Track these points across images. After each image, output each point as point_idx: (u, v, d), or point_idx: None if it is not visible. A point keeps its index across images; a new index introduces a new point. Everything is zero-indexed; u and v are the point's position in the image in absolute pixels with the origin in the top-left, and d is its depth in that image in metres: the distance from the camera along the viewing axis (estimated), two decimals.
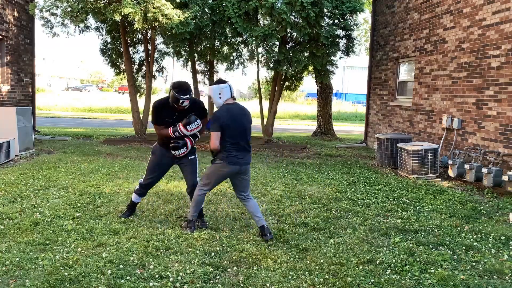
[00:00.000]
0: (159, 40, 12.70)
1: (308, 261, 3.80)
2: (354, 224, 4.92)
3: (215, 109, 4.56)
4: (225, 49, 12.00)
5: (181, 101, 4.34)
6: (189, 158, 4.71)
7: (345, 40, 11.94)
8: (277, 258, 3.83)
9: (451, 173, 7.81)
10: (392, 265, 3.77)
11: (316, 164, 9.14)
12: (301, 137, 15.43)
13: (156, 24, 9.67)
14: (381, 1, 12.51)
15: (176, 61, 14.28)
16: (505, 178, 6.45)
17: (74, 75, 64.60)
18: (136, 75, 13.24)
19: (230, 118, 4.26)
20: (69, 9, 9.75)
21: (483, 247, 4.30)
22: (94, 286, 3.20)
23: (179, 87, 4.37)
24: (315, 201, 5.88)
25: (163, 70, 13.86)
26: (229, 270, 3.59)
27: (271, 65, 11.55)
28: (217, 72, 13.72)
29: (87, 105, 29.38)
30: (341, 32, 11.67)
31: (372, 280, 3.45)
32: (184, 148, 4.55)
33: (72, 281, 3.26)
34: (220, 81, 4.48)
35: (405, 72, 11.36)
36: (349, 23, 11.45)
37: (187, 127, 4.46)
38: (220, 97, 4.35)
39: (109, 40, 13.03)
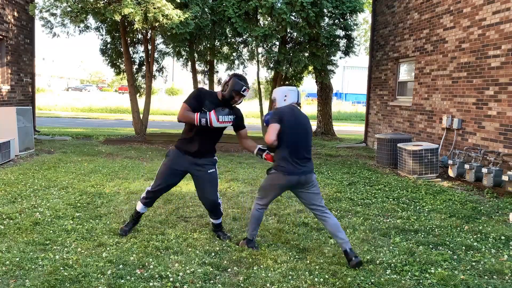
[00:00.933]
0: (159, 40, 12.71)
1: (308, 261, 3.80)
2: (354, 224, 4.92)
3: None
4: (225, 49, 12.01)
5: (243, 88, 3.92)
6: (209, 171, 4.15)
7: (345, 40, 11.95)
8: (277, 258, 3.83)
9: (451, 173, 7.81)
10: (392, 265, 3.77)
11: (316, 164, 9.14)
12: None
13: (157, 24, 9.67)
14: (381, 1, 12.51)
15: (176, 61, 14.27)
16: (505, 178, 6.45)
17: (74, 75, 64.58)
18: (136, 75, 13.24)
19: (292, 116, 3.83)
20: (68, 9, 9.75)
21: (483, 247, 4.30)
22: (94, 286, 3.20)
23: (241, 76, 4.01)
24: None
25: (163, 70, 13.86)
26: (229, 270, 3.59)
27: (271, 65, 11.56)
28: (217, 72, 13.73)
29: (87, 105, 29.38)
30: (341, 32, 11.68)
31: (372, 280, 3.45)
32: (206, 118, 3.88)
33: (72, 281, 3.26)
34: (289, 85, 4.26)
35: (405, 72, 11.36)
36: (349, 23, 11.46)
37: (219, 116, 3.87)
38: (285, 100, 3.96)
39: (109, 40, 13.03)
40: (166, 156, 4.24)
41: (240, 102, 4.05)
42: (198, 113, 3.90)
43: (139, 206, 4.32)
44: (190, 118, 3.93)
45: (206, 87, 13.89)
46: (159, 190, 4.19)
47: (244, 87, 3.94)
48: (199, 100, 3.99)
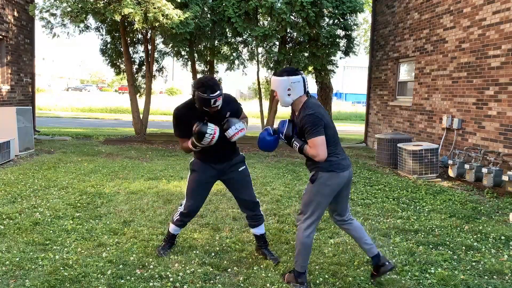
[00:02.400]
0: (159, 40, 12.70)
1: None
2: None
3: (279, 107, 3.52)
4: (225, 49, 12.00)
5: (212, 101, 3.33)
6: (239, 169, 3.73)
7: (345, 40, 11.95)
8: None
9: (451, 173, 7.80)
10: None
11: None
12: None
13: (157, 24, 9.67)
14: (381, 1, 12.51)
15: (176, 61, 14.26)
16: (505, 178, 6.45)
17: (74, 75, 64.61)
18: (136, 75, 13.24)
19: (326, 114, 3.19)
20: (68, 9, 9.75)
21: (483, 247, 4.30)
22: (94, 286, 3.20)
23: (204, 85, 3.35)
24: None
25: (163, 70, 13.86)
26: (229, 270, 3.59)
27: (271, 65, 11.55)
28: (217, 72, 13.72)
29: (87, 105, 29.39)
30: (341, 32, 11.68)
31: (372, 280, 3.44)
32: (212, 134, 3.42)
33: (72, 281, 3.26)
34: (291, 72, 3.20)
35: (405, 72, 11.36)
36: (349, 23, 11.46)
37: (229, 131, 3.45)
38: (289, 94, 3.17)
39: (109, 40, 13.03)
40: (191, 171, 3.75)
41: (218, 106, 3.43)
42: (189, 141, 3.53)
43: (172, 228, 3.88)
44: (189, 148, 3.60)
45: None
46: (194, 209, 3.75)
47: (213, 99, 3.32)
48: (182, 126, 3.58)
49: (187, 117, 3.53)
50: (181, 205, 3.81)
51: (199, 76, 13.44)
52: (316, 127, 3.07)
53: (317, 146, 3.06)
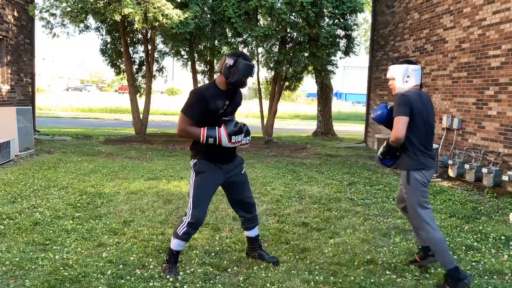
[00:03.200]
0: (159, 40, 12.71)
1: (308, 261, 3.80)
2: (354, 224, 4.92)
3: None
4: (225, 49, 12.01)
5: (254, 68, 3.35)
6: (242, 172, 3.60)
7: (345, 40, 11.95)
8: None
9: (451, 173, 7.80)
10: (392, 265, 3.77)
11: (316, 164, 9.14)
12: (301, 137, 15.43)
13: (157, 24, 9.67)
14: (381, 1, 12.51)
15: (176, 61, 14.27)
16: (505, 178, 6.45)
17: (74, 75, 64.63)
18: (136, 75, 13.24)
19: (423, 105, 3.28)
20: (68, 9, 9.75)
21: (483, 247, 4.30)
22: (94, 286, 3.20)
23: (243, 55, 3.35)
24: (315, 201, 5.88)
25: (163, 70, 13.86)
26: (229, 270, 3.59)
27: (271, 65, 11.55)
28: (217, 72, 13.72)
29: (87, 105, 29.39)
30: (341, 32, 11.68)
31: (372, 280, 3.45)
32: (241, 129, 3.35)
33: (72, 281, 3.26)
34: (410, 61, 3.45)
35: None
36: (349, 23, 11.46)
37: (232, 136, 3.29)
38: (406, 81, 3.37)
39: (109, 40, 13.03)
40: (197, 173, 3.39)
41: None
42: (205, 129, 3.25)
43: (176, 243, 3.42)
44: (194, 135, 3.28)
45: None
46: (201, 217, 3.40)
47: (255, 68, 3.39)
48: (200, 106, 3.27)
49: (207, 96, 3.27)
50: (185, 215, 3.39)
51: (199, 76, 13.46)
52: (400, 106, 3.21)
53: (396, 124, 3.19)
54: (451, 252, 4.13)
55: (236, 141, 3.32)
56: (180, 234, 3.38)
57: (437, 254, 3.31)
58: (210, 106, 3.29)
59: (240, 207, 3.66)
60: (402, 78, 3.36)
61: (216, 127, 3.28)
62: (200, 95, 3.31)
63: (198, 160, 3.41)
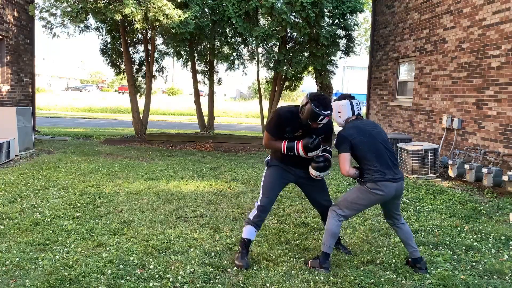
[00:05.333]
0: (159, 40, 12.71)
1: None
2: (354, 224, 4.92)
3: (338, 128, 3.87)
4: (225, 49, 12.00)
5: (321, 117, 3.50)
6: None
7: (345, 40, 11.94)
8: (277, 258, 3.83)
9: (451, 173, 7.80)
10: (392, 265, 3.77)
11: None
12: None
13: (157, 24, 9.67)
14: (381, 1, 12.51)
15: (176, 61, 14.28)
16: (505, 178, 6.45)
17: (74, 75, 64.61)
18: (136, 75, 13.24)
19: (361, 133, 3.59)
20: (68, 9, 9.74)
21: (483, 247, 4.30)
22: (94, 286, 3.20)
23: (319, 100, 3.51)
24: None
25: (163, 70, 13.86)
26: (229, 270, 3.59)
27: (271, 65, 11.55)
28: (217, 72, 13.72)
29: (87, 105, 29.40)
30: (341, 32, 11.67)
31: (372, 280, 3.45)
32: (327, 166, 3.73)
33: (72, 281, 3.26)
34: (342, 97, 3.79)
35: (405, 72, 11.36)
36: (349, 23, 11.44)
37: (308, 152, 3.64)
38: (340, 116, 3.72)
39: (109, 40, 13.03)
40: (268, 167, 3.95)
41: (321, 125, 3.62)
42: (286, 143, 3.71)
43: (248, 230, 3.76)
44: (277, 147, 3.77)
45: (206, 88, 13.88)
46: (270, 203, 3.79)
47: (323, 116, 3.50)
48: (280, 126, 3.73)
49: (287, 121, 3.70)
50: (257, 200, 3.82)
51: (199, 76, 13.47)
52: (340, 145, 3.58)
53: (340, 162, 3.60)
54: (450, 252, 4.14)
55: (311, 155, 3.68)
56: (252, 218, 3.76)
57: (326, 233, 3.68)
58: (286, 132, 3.75)
59: (318, 206, 4.02)
60: (336, 114, 3.72)
61: (294, 142, 3.70)
62: (279, 117, 3.78)
63: (271, 158, 3.97)
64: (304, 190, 4.01)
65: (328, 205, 3.88)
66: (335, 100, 3.76)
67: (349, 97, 3.75)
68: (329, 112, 3.53)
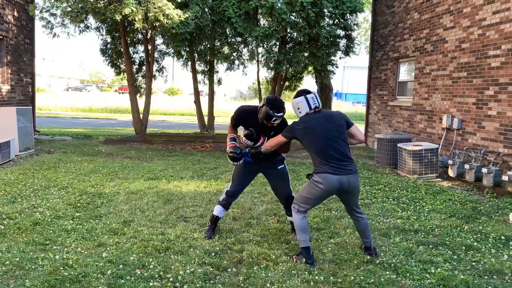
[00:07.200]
0: (159, 40, 12.71)
1: None
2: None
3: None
4: (225, 49, 12.01)
5: (273, 118, 4.00)
6: (278, 168, 4.37)
7: (345, 40, 11.94)
8: (277, 258, 3.83)
9: (451, 173, 7.81)
10: (392, 265, 3.77)
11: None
12: None
13: (157, 24, 9.67)
14: (381, 1, 12.51)
15: (176, 61, 14.29)
16: (505, 178, 6.45)
17: (74, 75, 64.59)
18: (136, 75, 13.23)
19: (315, 125, 3.82)
20: (68, 9, 9.74)
21: (483, 247, 4.30)
22: (94, 286, 3.20)
23: (273, 104, 4.00)
24: None
25: (163, 70, 13.86)
26: (229, 270, 3.59)
27: (271, 65, 11.55)
28: (217, 72, 13.73)
29: (87, 105, 29.38)
30: (341, 32, 11.67)
31: (372, 280, 3.45)
32: (245, 159, 4.27)
33: (72, 281, 3.26)
34: (298, 94, 3.99)
35: (405, 72, 11.36)
36: (349, 23, 11.45)
37: (246, 141, 4.25)
38: (300, 112, 3.94)
39: (109, 40, 13.03)
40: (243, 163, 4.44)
41: (274, 124, 4.08)
42: (231, 136, 4.32)
43: (217, 210, 4.43)
44: (228, 137, 4.34)
45: (206, 88, 13.88)
46: (237, 190, 4.42)
47: (275, 118, 3.99)
48: (242, 120, 4.29)
49: (245, 119, 4.27)
50: (227, 187, 4.41)
51: (199, 76, 13.47)
52: (285, 132, 3.95)
53: (271, 140, 4.07)
54: (450, 252, 4.14)
55: (245, 141, 4.24)
56: (221, 201, 4.41)
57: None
58: (244, 122, 4.28)
59: (276, 193, 4.52)
60: (296, 111, 3.96)
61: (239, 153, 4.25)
62: (239, 114, 4.34)
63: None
64: (269, 180, 4.48)
65: (288, 192, 4.35)
66: (293, 98, 4.00)
67: (304, 92, 3.95)
68: (281, 114, 4.00)
